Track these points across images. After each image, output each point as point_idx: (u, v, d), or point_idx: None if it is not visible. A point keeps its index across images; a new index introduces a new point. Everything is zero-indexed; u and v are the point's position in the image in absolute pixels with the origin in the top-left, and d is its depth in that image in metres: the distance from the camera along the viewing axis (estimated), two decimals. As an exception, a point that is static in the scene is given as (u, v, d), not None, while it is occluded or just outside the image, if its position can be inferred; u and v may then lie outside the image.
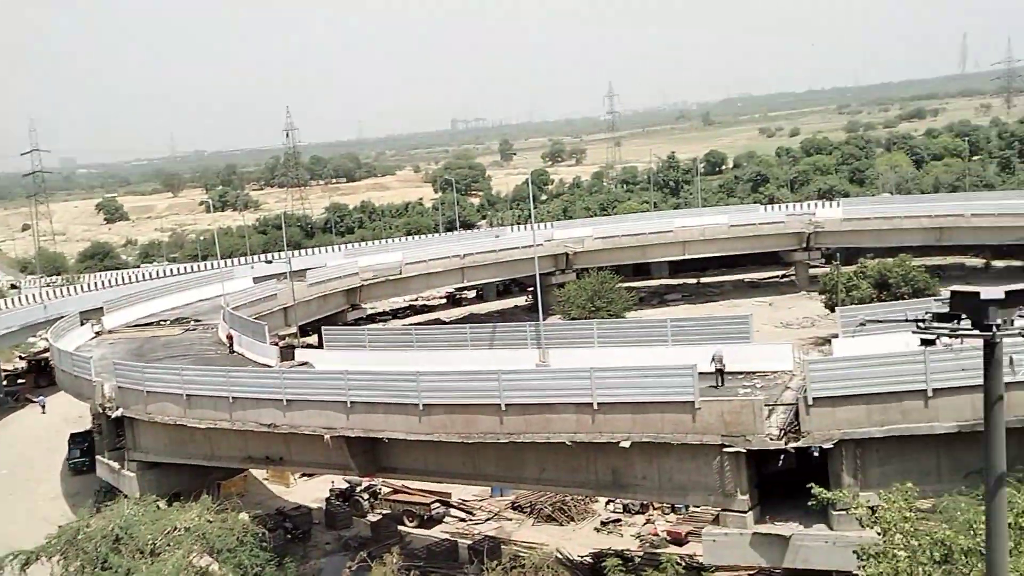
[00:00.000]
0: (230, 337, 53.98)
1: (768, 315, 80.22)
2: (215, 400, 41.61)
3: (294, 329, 69.83)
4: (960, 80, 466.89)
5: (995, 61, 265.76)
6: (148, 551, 32.14)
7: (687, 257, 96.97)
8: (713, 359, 36.10)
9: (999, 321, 14.84)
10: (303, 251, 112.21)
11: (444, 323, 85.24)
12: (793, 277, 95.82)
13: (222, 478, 48.42)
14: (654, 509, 44.52)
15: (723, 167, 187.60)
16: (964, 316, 15.28)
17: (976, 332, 15.09)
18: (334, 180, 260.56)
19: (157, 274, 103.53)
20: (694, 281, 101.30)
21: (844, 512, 27.44)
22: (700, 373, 32.16)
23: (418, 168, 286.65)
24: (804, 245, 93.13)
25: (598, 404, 32.53)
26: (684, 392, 31.43)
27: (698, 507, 40.09)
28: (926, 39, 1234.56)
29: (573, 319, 71.24)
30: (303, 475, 52.54)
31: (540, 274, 62.21)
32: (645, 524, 43.70)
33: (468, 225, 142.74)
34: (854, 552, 22.04)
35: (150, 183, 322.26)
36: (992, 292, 15.02)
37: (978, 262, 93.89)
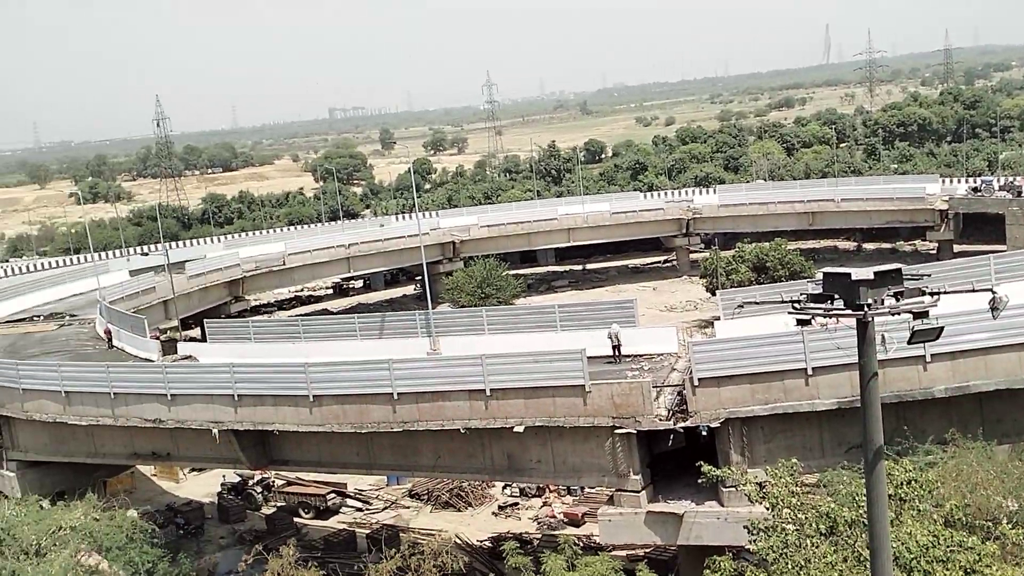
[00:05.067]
0: (108, 332, 52.27)
1: (652, 299, 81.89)
2: (96, 396, 40.37)
3: (175, 322, 68.06)
4: (824, 70, 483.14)
5: (856, 52, 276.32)
6: (33, 552, 31.07)
7: (572, 244, 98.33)
8: (610, 336, 37.01)
9: (870, 301, 15.44)
10: (180, 243, 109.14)
11: (332, 313, 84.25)
12: (674, 262, 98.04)
13: (108, 475, 47.06)
14: (550, 492, 45.15)
15: (602, 155, 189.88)
16: (837, 297, 15.87)
17: (849, 312, 15.73)
18: (210, 170, 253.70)
19: (27, 268, 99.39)
20: (580, 267, 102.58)
21: (733, 489, 28.37)
22: (589, 357, 32.76)
23: (297, 157, 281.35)
24: (684, 231, 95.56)
25: (490, 390, 32.78)
26: (574, 376, 31.95)
27: (593, 488, 40.85)
28: (791, 30, 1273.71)
29: (462, 307, 71.42)
30: (193, 470, 51.44)
31: (427, 263, 62.11)
32: (542, 507, 44.37)
33: (352, 215, 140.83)
34: (745, 527, 22.81)
35: (14, 175, 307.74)
36: (863, 273, 15.61)
37: (850, 245, 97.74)
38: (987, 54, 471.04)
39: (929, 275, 19.66)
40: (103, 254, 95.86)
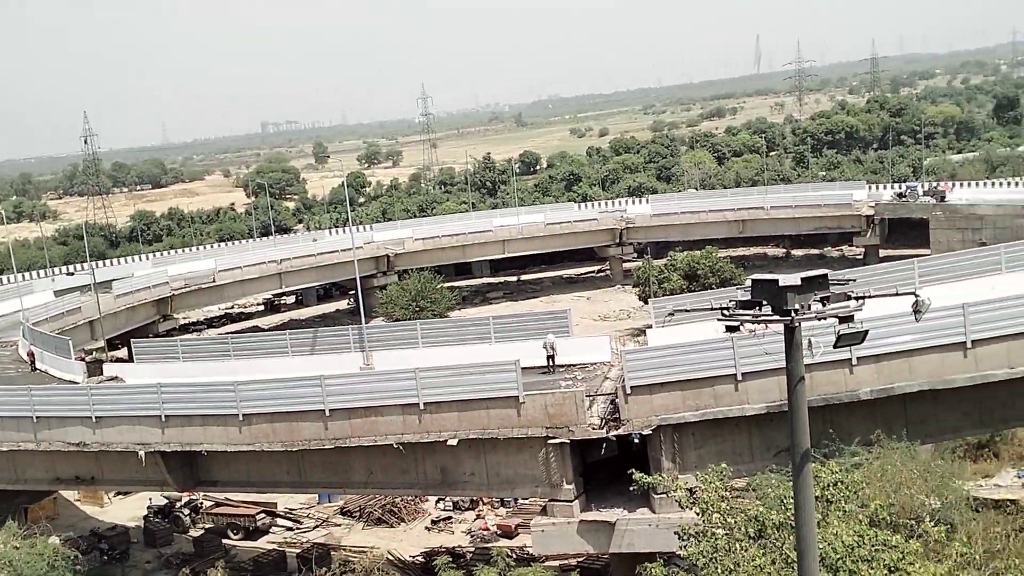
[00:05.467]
0: (31, 354, 50.83)
1: (586, 309, 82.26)
2: (17, 421, 39.14)
3: (101, 343, 66.55)
4: (755, 80, 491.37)
5: (786, 62, 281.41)
6: (-52, 585, 30.07)
7: (507, 256, 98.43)
8: (544, 346, 37.03)
9: (797, 306, 15.57)
10: (107, 262, 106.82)
11: (263, 330, 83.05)
12: (608, 272, 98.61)
13: (29, 502, 45.74)
14: (484, 504, 44.95)
15: (537, 167, 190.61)
16: (765, 303, 15.98)
17: (776, 317, 15.84)
18: (139, 187, 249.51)
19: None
20: (515, 279, 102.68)
21: (665, 495, 28.46)
22: (524, 368, 32.71)
23: (228, 173, 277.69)
24: (617, 241, 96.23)
25: (424, 404, 32.56)
26: (508, 387, 31.88)
27: (526, 499, 40.68)
28: (722, 41, 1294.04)
29: (396, 320, 70.93)
30: (118, 493, 50.22)
31: (361, 277, 61.50)
32: (476, 520, 44.13)
33: (284, 229, 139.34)
34: (676, 533, 22.87)
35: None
36: (790, 279, 15.74)
37: (779, 251, 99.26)
38: (912, 63, 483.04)
39: (854, 280, 19.85)
40: (27, 275, 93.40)
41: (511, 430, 31.83)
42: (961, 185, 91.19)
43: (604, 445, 31.98)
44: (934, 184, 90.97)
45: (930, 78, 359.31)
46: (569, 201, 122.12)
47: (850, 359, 29.51)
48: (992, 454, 41.34)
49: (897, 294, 18.06)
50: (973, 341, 29.58)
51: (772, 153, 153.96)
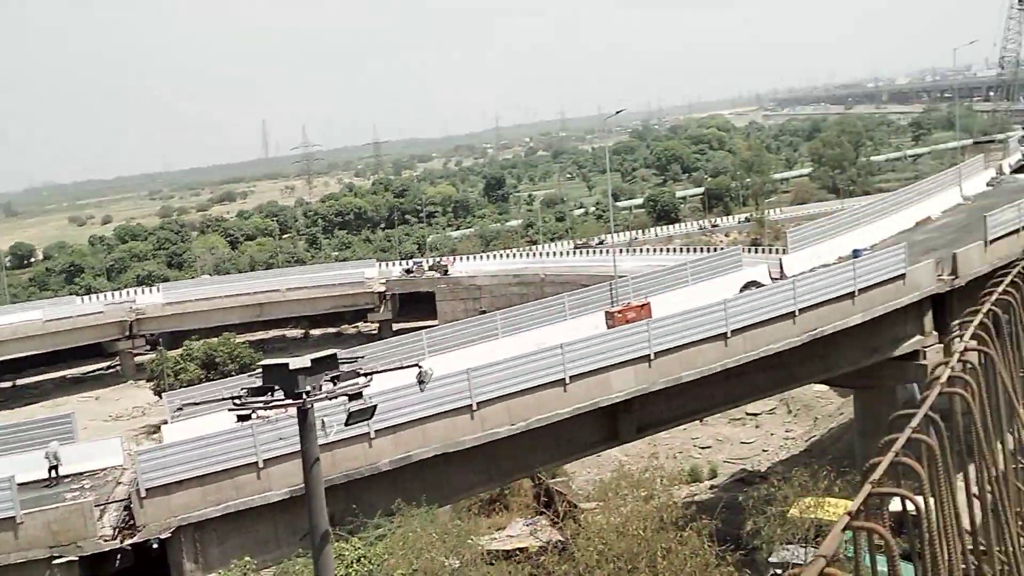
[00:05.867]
0: None
1: (96, 410, 76.61)
2: None
3: None
4: (264, 164, 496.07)
5: (293, 146, 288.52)
6: None
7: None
8: (47, 455, 33.61)
9: (308, 388, 15.63)
10: None
11: None
12: (119, 367, 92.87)
13: None
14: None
15: (32, 259, 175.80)
16: (278, 387, 15.85)
17: (288, 401, 15.75)
18: None
19: None
20: (10, 384, 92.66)
21: (186, 600, 26.91)
22: (22, 484, 29.44)
23: None
24: (127, 333, 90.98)
25: None
26: (2, 508, 28.42)
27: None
28: (230, 125, 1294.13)
29: None
30: None
31: None
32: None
33: None
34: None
35: None
36: (300, 362, 15.80)
37: (298, 333, 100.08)
38: (411, 146, 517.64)
39: (363, 357, 20.38)
40: None
41: (8, 555, 28.28)
42: (462, 259, 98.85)
43: (119, 556, 29.58)
44: (438, 259, 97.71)
45: (428, 161, 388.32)
46: (71, 295, 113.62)
47: (369, 433, 30.21)
48: (503, 507, 44.52)
49: (401, 367, 18.85)
50: (478, 403, 31.78)
51: (285, 236, 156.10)
